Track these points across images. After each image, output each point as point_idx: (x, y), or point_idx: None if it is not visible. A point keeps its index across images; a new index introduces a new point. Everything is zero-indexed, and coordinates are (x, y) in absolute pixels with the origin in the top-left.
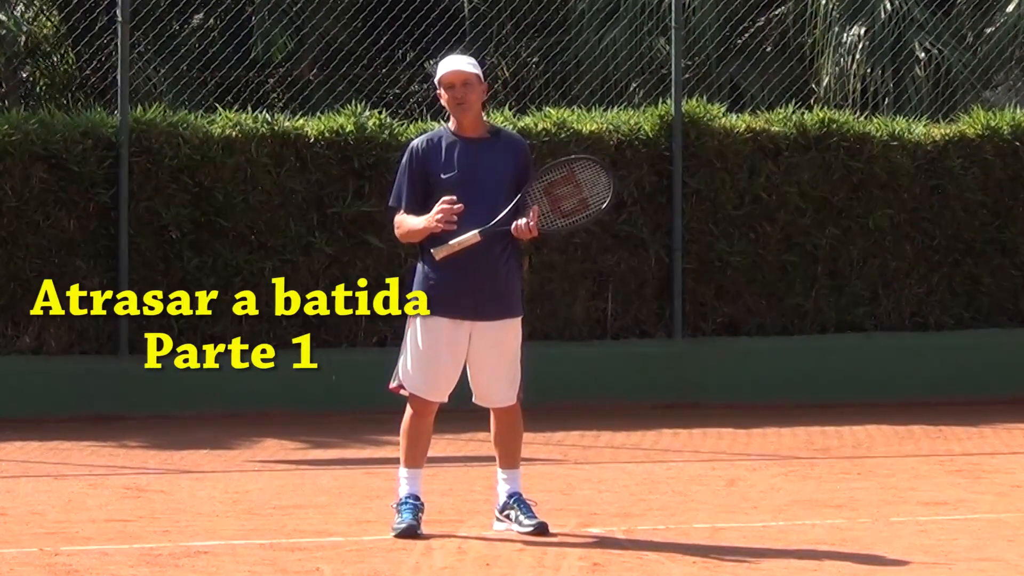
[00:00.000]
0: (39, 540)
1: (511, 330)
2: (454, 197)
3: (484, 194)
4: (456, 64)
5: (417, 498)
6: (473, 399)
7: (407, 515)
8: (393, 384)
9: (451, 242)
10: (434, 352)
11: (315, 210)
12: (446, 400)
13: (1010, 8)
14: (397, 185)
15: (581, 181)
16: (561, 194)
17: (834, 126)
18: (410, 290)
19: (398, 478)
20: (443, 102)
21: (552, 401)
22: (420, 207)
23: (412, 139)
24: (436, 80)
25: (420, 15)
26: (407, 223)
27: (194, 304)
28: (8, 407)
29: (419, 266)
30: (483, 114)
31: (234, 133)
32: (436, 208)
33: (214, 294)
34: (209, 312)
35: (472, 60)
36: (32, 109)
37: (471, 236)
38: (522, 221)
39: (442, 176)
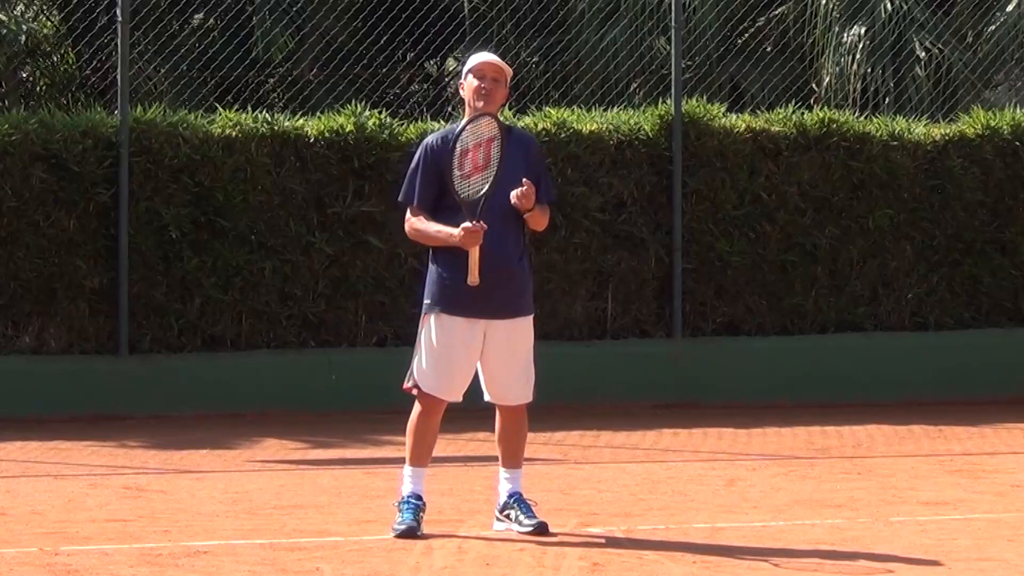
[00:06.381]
0: (39, 540)
1: (524, 328)
2: (482, 225)
3: (497, 190)
4: (492, 57)
5: (419, 497)
6: (486, 398)
7: (407, 515)
8: (407, 384)
9: (471, 264)
10: (449, 351)
11: (315, 210)
12: (460, 400)
13: (1010, 7)
14: (408, 181)
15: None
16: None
17: (834, 126)
18: (424, 290)
19: (402, 475)
20: (464, 92)
21: (552, 401)
22: (433, 204)
23: (426, 135)
24: (466, 69)
25: (420, 15)
26: (425, 229)
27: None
28: (8, 407)
29: (431, 267)
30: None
31: (234, 133)
32: (461, 231)
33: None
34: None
35: (504, 62)
36: (32, 109)
37: (474, 251)
38: (515, 191)
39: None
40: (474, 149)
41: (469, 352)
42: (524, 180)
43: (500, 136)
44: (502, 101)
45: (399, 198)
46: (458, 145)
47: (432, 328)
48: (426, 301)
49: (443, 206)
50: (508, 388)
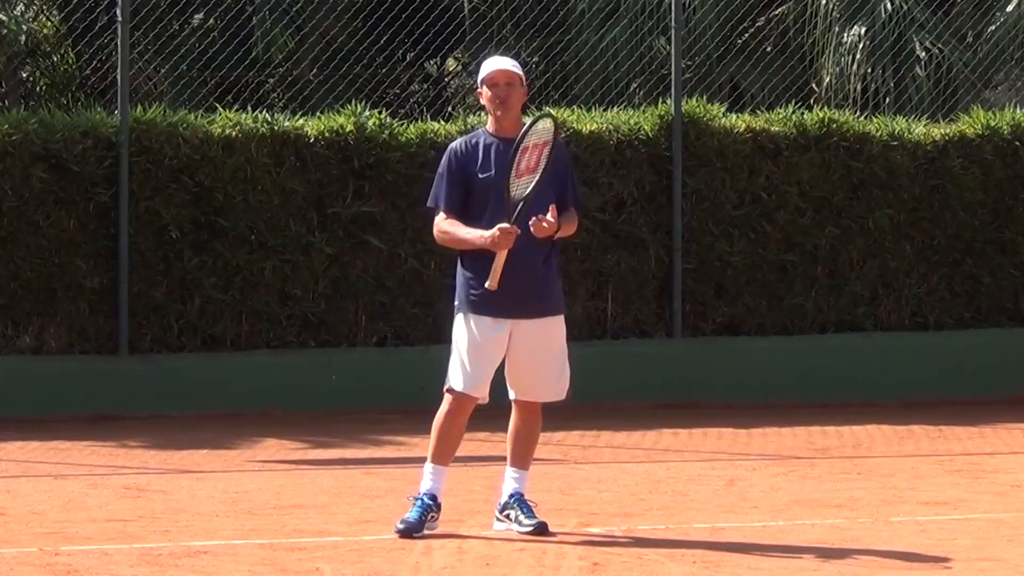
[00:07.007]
0: (39, 540)
1: (554, 327)
2: (517, 228)
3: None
4: (501, 63)
5: (434, 498)
6: (511, 396)
7: (414, 514)
8: (447, 387)
9: (495, 268)
10: (476, 350)
11: (315, 210)
12: (487, 399)
13: (1010, 7)
14: (436, 186)
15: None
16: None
17: (834, 126)
18: (454, 294)
19: (423, 471)
20: (484, 101)
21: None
22: (460, 208)
23: (452, 141)
24: (479, 78)
25: (420, 15)
26: (455, 231)
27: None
28: (8, 407)
29: (459, 271)
30: (521, 116)
31: (234, 133)
32: (497, 231)
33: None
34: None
35: (515, 62)
36: (32, 109)
37: (501, 254)
38: (543, 220)
39: (480, 176)
40: (532, 149)
41: (494, 351)
42: (551, 208)
43: (553, 143)
44: (520, 102)
45: (428, 203)
46: (523, 142)
47: (461, 328)
48: (455, 304)
49: (469, 208)
50: (537, 386)
